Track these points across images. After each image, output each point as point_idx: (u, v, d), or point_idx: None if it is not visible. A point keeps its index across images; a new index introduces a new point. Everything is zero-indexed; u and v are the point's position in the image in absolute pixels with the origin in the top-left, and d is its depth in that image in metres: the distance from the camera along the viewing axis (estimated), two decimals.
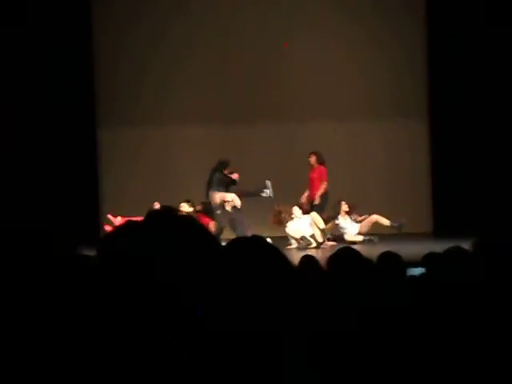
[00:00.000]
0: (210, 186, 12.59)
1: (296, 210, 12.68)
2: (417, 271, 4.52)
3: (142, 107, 14.80)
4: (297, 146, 14.37)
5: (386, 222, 12.92)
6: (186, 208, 12.12)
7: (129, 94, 14.78)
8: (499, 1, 13.81)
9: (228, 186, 12.69)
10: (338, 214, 13.03)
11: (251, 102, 14.76)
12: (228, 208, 12.40)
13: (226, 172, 12.70)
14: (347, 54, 14.81)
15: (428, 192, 14.91)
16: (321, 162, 13.18)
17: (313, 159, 13.23)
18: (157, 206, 11.96)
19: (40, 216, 13.38)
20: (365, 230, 13.01)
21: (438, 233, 14.07)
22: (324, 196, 12.99)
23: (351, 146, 14.80)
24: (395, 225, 12.84)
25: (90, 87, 14.71)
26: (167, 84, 14.79)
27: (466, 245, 3.84)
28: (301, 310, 2.42)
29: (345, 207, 13.02)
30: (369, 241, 12.46)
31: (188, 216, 1.60)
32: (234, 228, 12.24)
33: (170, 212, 1.57)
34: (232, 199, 12.35)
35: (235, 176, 12.65)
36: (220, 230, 12.23)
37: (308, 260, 4.57)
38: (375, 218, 12.99)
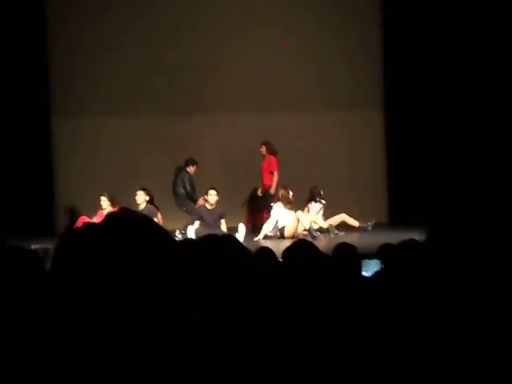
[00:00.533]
0: (176, 185, 12.81)
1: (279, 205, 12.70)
2: (372, 263, 4.57)
3: (98, 97, 14.66)
4: (254, 137, 14.38)
5: (354, 223, 13.01)
6: (142, 196, 12.09)
7: (84, 83, 14.63)
8: None
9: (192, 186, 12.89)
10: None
11: (207, 93, 14.71)
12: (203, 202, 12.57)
13: (189, 170, 12.94)
14: (303, 43, 14.83)
15: (384, 182, 15.04)
16: (271, 152, 13.26)
17: (263, 149, 13.32)
18: (103, 199, 11.96)
19: None
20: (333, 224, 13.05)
21: (393, 223, 14.20)
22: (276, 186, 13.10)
23: (307, 136, 14.82)
24: (363, 225, 12.94)
25: (44, 76, 14.54)
26: (122, 74, 14.68)
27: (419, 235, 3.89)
28: (256, 304, 2.43)
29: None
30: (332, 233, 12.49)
31: (146, 217, 1.60)
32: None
33: (129, 214, 1.57)
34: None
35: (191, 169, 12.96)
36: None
37: (264, 252, 4.58)
38: (343, 216, 13.06)
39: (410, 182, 14.18)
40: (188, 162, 13.05)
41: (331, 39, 14.82)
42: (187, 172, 13.01)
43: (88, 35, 14.56)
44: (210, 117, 14.74)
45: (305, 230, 12.43)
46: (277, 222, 12.50)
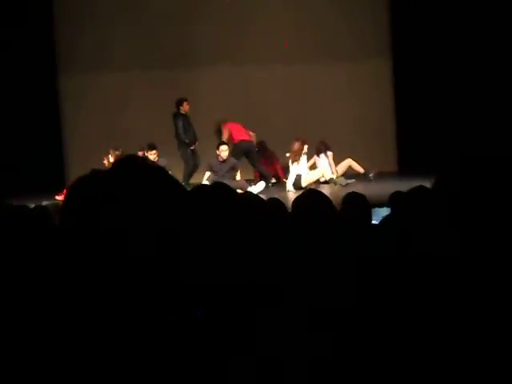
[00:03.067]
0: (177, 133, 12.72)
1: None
2: (382, 212, 4.56)
3: (103, 53, 14.58)
4: (261, 90, 14.34)
5: (359, 168, 13.03)
6: (154, 155, 12.09)
7: (89, 40, 14.54)
8: None
9: (189, 128, 12.75)
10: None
11: (214, 44, 14.61)
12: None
13: (182, 110, 12.75)
14: None
15: (393, 131, 14.98)
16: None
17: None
18: (111, 155, 11.97)
19: (3, 167, 13.28)
20: (340, 172, 13.09)
21: (402, 172, 14.17)
22: None
23: (315, 88, 14.74)
24: (368, 174, 12.90)
25: (49, 34, 14.47)
26: (128, 28, 14.58)
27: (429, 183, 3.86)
28: (266, 256, 2.43)
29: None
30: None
31: (155, 165, 1.59)
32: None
33: (137, 160, 1.55)
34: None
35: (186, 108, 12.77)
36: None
37: (274, 203, 4.58)
38: (349, 161, 13.10)
39: (418, 131, 14.11)
40: (178, 103, 12.79)
41: None
42: (180, 114, 12.74)
43: None
44: (215, 69, 14.64)
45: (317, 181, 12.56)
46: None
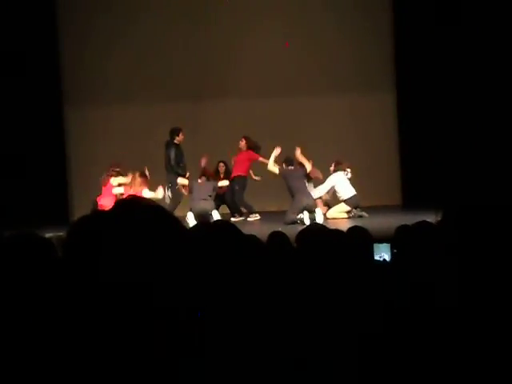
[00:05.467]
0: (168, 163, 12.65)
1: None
2: (382, 247, 4.54)
3: (109, 85, 14.69)
4: (265, 122, 14.44)
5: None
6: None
7: (95, 71, 14.65)
8: None
9: (181, 159, 12.69)
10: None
11: (218, 79, 14.72)
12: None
13: (177, 140, 12.66)
14: (312, 27, 14.77)
15: (396, 164, 14.99)
16: (250, 146, 13.29)
17: (243, 143, 13.31)
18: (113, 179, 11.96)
19: (7, 197, 13.29)
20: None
21: (406, 205, 14.15)
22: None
23: (319, 121, 14.80)
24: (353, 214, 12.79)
25: (55, 64, 14.57)
26: (133, 60, 14.69)
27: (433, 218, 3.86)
28: (270, 289, 2.43)
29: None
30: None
31: (157, 205, 1.60)
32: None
33: (137, 200, 1.57)
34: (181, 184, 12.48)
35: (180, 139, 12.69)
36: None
37: (277, 237, 4.57)
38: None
39: (423, 164, 14.11)
40: (172, 133, 12.69)
41: (341, 23, 14.77)
42: (174, 144, 12.63)
43: (98, 23, 14.57)
44: (220, 102, 14.73)
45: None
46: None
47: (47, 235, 7.93)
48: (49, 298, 2.03)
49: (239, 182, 13.23)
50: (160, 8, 14.69)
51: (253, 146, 13.34)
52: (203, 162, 12.93)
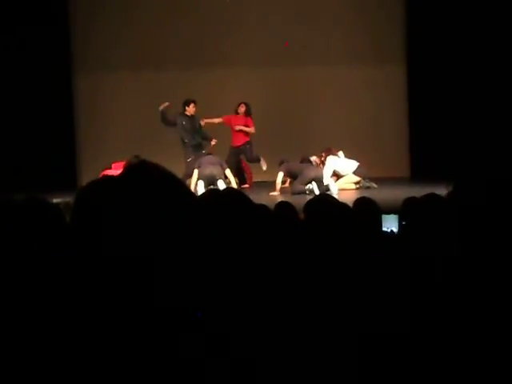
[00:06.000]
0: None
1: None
2: (390, 218, 4.54)
3: (119, 51, 14.62)
4: (277, 91, 14.38)
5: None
6: None
7: (105, 39, 14.58)
8: None
9: (194, 130, 12.61)
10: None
11: (231, 46, 14.64)
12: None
13: (188, 111, 12.60)
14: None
15: (406, 136, 14.93)
16: (249, 113, 13.16)
17: (242, 109, 13.16)
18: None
19: (17, 166, 13.34)
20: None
21: (414, 177, 14.13)
22: None
23: (330, 91, 14.74)
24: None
25: (65, 33, 14.53)
26: (143, 27, 14.61)
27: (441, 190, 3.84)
28: (275, 259, 2.42)
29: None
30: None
31: (166, 170, 1.58)
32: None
33: (148, 166, 1.55)
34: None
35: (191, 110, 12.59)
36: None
37: (284, 207, 4.55)
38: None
39: (432, 137, 14.06)
40: (184, 104, 12.65)
41: None
42: (184, 115, 12.61)
43: None
44: (233, 70, 14.66)
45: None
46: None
47: (55, 201, 7.94)
48: (54, 264, 2.03)
49: (250, 148, 13.16)
50: None
51: (250, 114, 13.19)
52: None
